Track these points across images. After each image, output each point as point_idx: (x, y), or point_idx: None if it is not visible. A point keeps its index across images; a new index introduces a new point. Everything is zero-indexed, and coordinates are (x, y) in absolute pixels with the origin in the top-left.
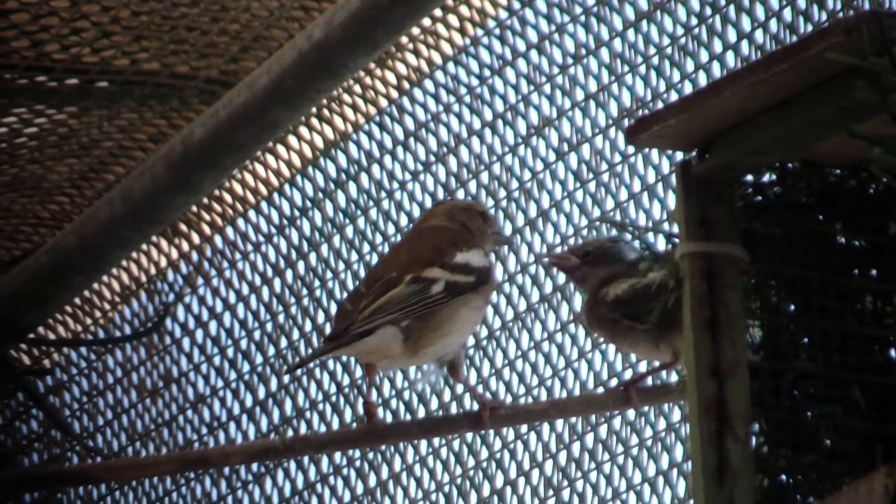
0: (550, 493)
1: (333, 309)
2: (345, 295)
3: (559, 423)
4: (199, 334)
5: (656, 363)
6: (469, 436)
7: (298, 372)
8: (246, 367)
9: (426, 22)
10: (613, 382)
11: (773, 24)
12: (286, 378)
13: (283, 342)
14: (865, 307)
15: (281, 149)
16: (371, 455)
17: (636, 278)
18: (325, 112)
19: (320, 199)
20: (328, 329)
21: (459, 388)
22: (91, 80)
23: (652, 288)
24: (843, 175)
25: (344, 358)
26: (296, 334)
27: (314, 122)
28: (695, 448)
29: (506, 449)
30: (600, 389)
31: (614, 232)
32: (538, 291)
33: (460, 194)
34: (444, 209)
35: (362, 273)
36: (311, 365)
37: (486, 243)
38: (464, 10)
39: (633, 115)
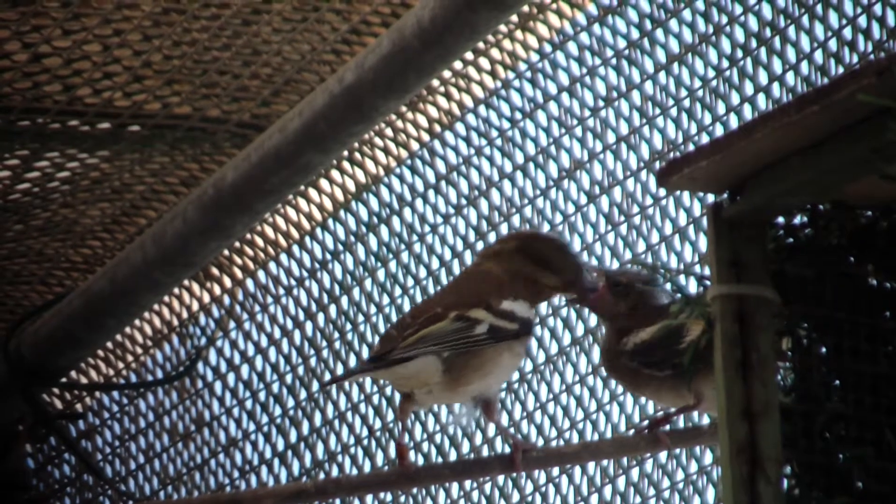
0: None
1: (365, 353)
2: (376, 339)
3: (591, 465)
4: (231, 378)
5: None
6: (501, 479)
7: (330, 415)
8: (278, 411)
9: (457, 65)
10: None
11: (804, 66)
12: (322, 387)
13: (315, 386)
14: None
15: (313, 192)
16: (403, 498)
17: (655, 327)
18: (357, 155)
19: (352, 243)
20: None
21: (491, 431)
22: (123, 125)
23: (672, 335)
24: (875, 216)
25: (376, 401)
26: (327, 378)
27: (346, 165)
28: (726, 491)
29: (537, 492)
30: (632, 432)
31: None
32: (570, 335)
33: (492, 238)
34: (493, 250)
35: (394, 317)
36: (343, 408)
37: (538, 300)
38: (495, 53)
39: (664, 157)
